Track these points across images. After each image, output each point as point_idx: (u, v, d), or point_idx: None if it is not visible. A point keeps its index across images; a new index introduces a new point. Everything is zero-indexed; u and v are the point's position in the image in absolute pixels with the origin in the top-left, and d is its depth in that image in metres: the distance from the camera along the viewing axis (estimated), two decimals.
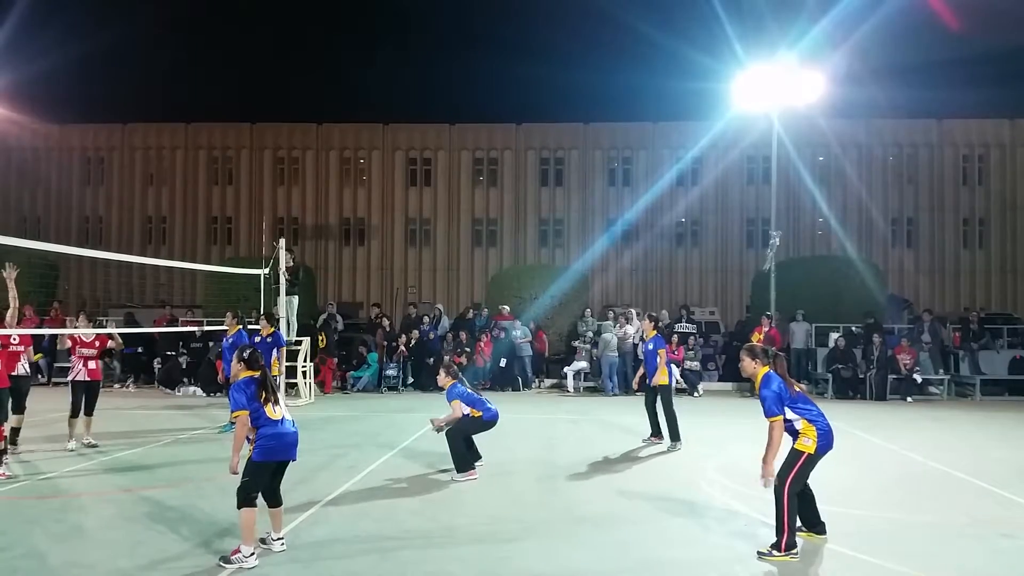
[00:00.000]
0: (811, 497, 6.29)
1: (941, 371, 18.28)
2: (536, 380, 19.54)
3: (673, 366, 17.89)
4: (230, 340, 10.47)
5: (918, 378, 17.48)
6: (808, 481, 6.13)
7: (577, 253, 37.34)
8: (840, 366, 17.70)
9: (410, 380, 18.61)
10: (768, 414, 5.97)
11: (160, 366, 18.32)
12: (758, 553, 5.89)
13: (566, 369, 18.89)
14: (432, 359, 18.35)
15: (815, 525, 6.32)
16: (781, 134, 21.82)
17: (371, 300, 37.93)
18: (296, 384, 15.61)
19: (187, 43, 59.73)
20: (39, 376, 19.02)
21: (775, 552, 5.84)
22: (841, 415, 14.24)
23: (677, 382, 17.77)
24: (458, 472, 8.48)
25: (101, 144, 41.52)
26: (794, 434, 6.06)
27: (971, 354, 18.65)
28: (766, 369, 6.14)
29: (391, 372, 18.31)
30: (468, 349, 18.44)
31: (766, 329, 17.91)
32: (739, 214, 39.42)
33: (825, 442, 6.01)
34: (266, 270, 15.81)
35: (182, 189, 41.32)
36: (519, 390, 18.46)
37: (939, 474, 9.05)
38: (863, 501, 7.64)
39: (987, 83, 37.75)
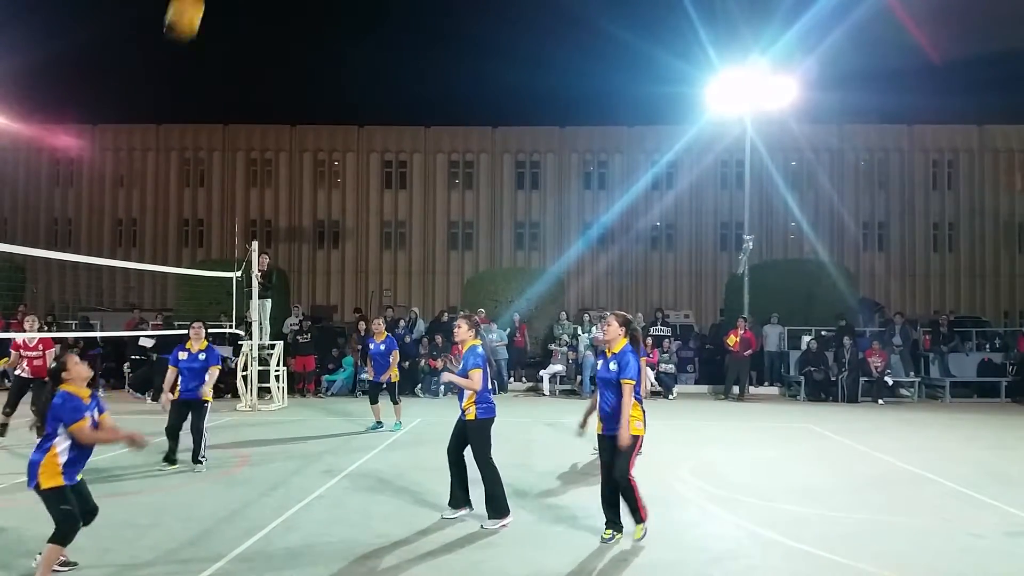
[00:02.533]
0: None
1: (912, 373, 18.50)
2: (512, 374, 19.59)
3: (648, 369, 18.05)
4: (202, 358, 9.67)
5: (889, 380, 17.68)
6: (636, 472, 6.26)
7: (553, 256, 37.39)
8: (812, 368, 17.86)
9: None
10: (628, 376, 6.06)
11: (130, 370, 18.04)
12: (633, 539, 6.19)
13: (542, 372, 18.89)
14: (408, 363, 18.25)
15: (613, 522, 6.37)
16: (754, 138, 22.02)
17: (346, 303, 37.75)
18: (269, 388, 15.46)
19: (158, 43, 58.88)
20: (5, 381, 18.67)
21: (641, 526, 6.22)
22: (813, 417, 14.41)
23: (652, 385, 17.86)
24: (494, 517, 6.76)
25: (71, 145, 40.89)
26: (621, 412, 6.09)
27: (941, 357, 18.90)
28: (625, 341, 6.27)
29: (366, 375, 18.15)
30: (444, 352, 18.36)
31: (741, 332, 18.06)
32: (713, 218, 39.70)
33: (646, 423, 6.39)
34: (238, 273, 15.64)
35: (153, 191, 40.81)
36: (495, 393, 18.40)
37: (910, 475, 9.15)
38: (835, 502, 7.70)
39: (957, 90, 38.47)
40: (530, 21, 64.79)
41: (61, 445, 5.14)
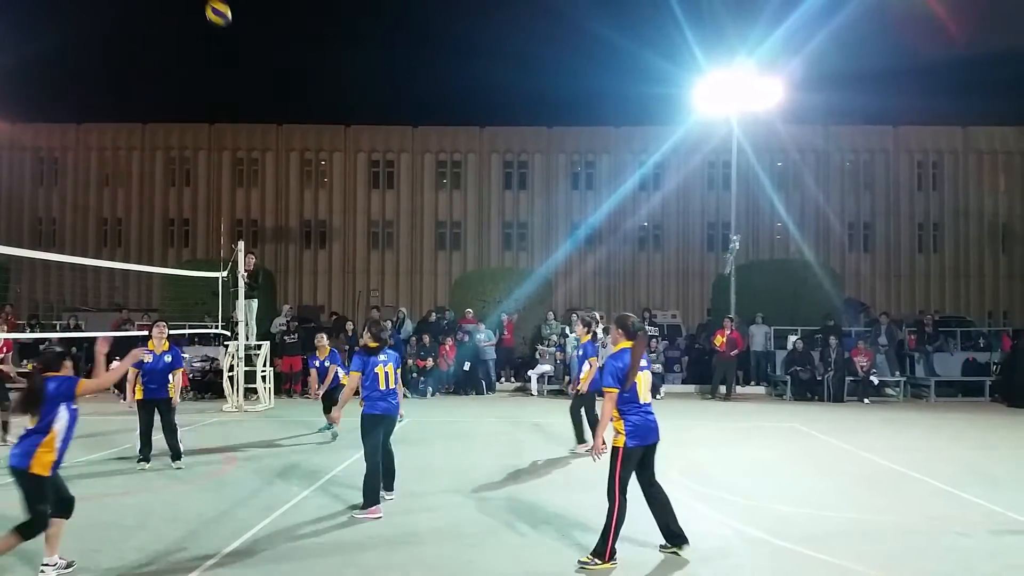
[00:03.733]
0: (663, 503, 6.01)
1: (897, 373, 18.62)
2: (502, 374, 19.60)
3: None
4: (168, 359, 9.70)
5: (875, 380, 17.79)
6: (656, 488, 5.97)
7: (541, 257, 37.40)
8: (798, 368, 17.95)
9: None
10: (604, 384, 5.79)
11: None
12: (579, 562, 5.69)
13: (530, 372, 18.90)
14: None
15: (674, 536, 5.98)
16: (741, 139, 22.12)
17: (333, 304, 37.61)
18: (256, 389, 15.40)
19: (144, 42, 58.71)
20: None
21: (597, 561, 5.65)
22: (799, 416, 14.49)
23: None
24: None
25: (55, 144, 40.59)
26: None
27: (926, 356, 19.03)
28: (627, 344, 5.95)
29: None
30: (432, 353, 18.35)
31: (728, 332, 18.13)
32: (700, 218, 39.84)
33: (637, 435, 5.77)
34: (224, 273, 15.57)
35: (138, 190, 40.52)
36: (483, 393, 18.42)
37: (895, 474, 9.21)
38: (821, 502, 7.74)
39: (941, 92, 38.62)
40: (518, 21, 64.85)
41: (59, 434, 5.31)
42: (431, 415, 14.55)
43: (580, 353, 10.85)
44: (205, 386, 17.21)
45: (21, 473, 5.18)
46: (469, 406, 16.28)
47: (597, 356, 10.72)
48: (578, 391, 10.72)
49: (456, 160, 40.92)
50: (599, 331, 17.09)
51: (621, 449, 5.75)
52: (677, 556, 5.91)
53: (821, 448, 11.16)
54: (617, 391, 5.74)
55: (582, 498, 7.72)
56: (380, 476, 7.19)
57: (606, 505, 5.72)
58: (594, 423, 10.32)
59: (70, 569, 5.48)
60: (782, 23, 23.61)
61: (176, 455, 9.13)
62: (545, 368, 18.82)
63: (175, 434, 9.15)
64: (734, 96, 20.80)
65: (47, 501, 5.21)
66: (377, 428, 7.18)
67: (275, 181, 40.64)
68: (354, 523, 6.75)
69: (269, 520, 6.77)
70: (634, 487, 5.86)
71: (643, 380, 5.92)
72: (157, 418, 9.16)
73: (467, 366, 18.45)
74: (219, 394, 16.12)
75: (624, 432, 5.77)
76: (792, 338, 18.63)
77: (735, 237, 20.91)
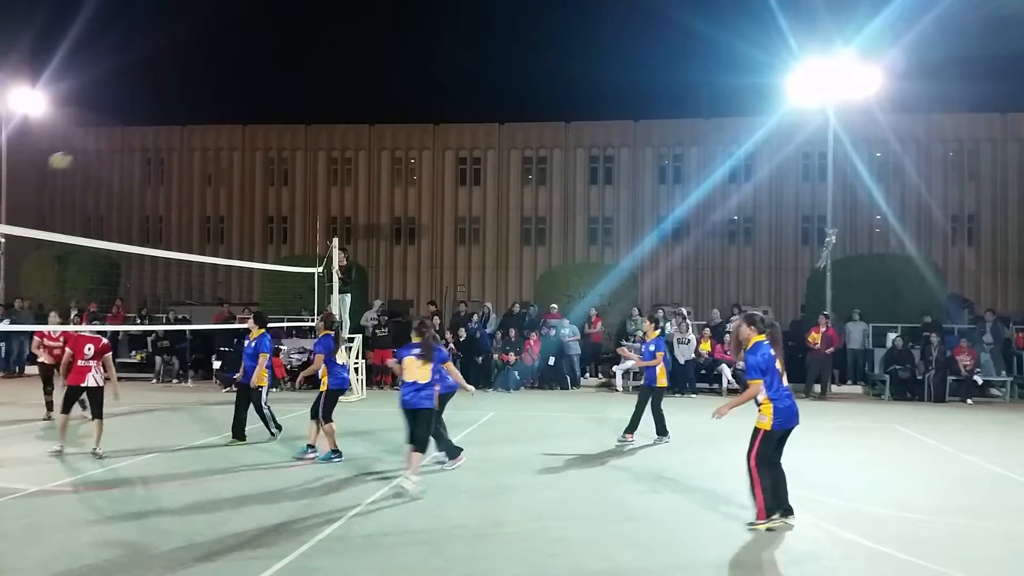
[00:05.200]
0: (782, 479, 6.55)
1: (1003, 372, 17.72)
2: (587, 369, 19.62)
3: (725, 366, 17.77)
4: (252, 345, 10.35)
5: (979, 379, 16.96)
6: (778, 468, 6.52)
7: (626, 251, 37.12)
8: (898, 367, 17.29)
9: None
10: (749, 376, 6.49)
11: (219, 361, 18.70)
12: (747, 524, 6.44)
13: (615, 368, 18.79)
14: (481, 357, 18.43)
15: (786, 508, 6.54)
16: (837, 129, 21.37)
17: (421, 298, 38.31)
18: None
19: (244, 45, 60.98)
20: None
21: (757, 523, 6.36)
22: (898, 417, 13.96)
23: (729, 382, 17.59)
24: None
25: (161, 145, 42.66)
26: (757, 406, 6.48)
27: None
28: (760, 338, 6.58)
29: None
30: (517, 347, 18.47)
31: (823, 329, 17.58)
32: (794, 211, 38.76)
33: (782, 419, 6.39)
34: (320, 268, 16.09)
35: (239, 189, 42.23)
36: (567, 388, 18.43)
37: (999, 478, 8.79)
38: (919, 505, 7.46)
39: None
40: (603, 15, 64.33)
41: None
42: (516, 409, 14.66)
43: (652, 349, 10.80)
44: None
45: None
46: (553, 401, 16.32)
47: (663, 351, 10.93)
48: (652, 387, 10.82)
49: (542, 156, 40.99)
50: (668, 327, 16.99)
51: (763, 431, 6.40)
52: (785, 524, 6.45)
53: (920, 449, 10.73)
54: (760, 382, 6.38)
55: (668, 496, 7.67)
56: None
57: (747, 480, 6.46)
58: (659, 417, 10.67)
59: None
60: (881, 8, 22.66)
61: (269, 430, 10.47)
62: (630, 364, 18.67)
63: (262, 413, 10.40)
64: (830, 85, 20.10)
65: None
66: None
67: (367, 179, 41.64)
68: (442, 513, 6.88)
69: (360, 508, 6.98)
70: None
71: (783, 365, 6.58)
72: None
73: (551, 360, 18.50)
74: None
75: (772, 416, 6.36)
76: (891, 335, 17.96)
77: (831, 230, 20.28)
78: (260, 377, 10.21)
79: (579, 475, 8.64)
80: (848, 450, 10.59)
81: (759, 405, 6.44)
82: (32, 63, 26.17)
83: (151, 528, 6.34)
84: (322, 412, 9.20)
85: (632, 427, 10.65)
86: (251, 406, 10.37)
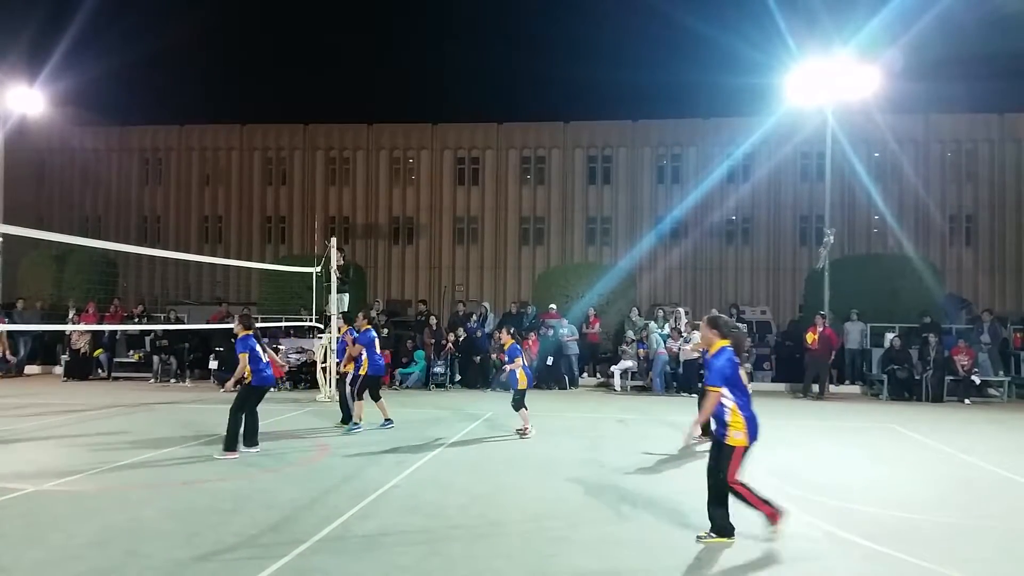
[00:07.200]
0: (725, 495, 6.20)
1: (1001, 372, 17.75)
2: (585, 369, 19.61)
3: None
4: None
5: (976, 379, 16.99)
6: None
7: (624, 251, 37.15)
8: (895, 367, 17.31)
9: (457, 377, 18.71)
10: (708, 382, 6.09)
11: (217, 361, 18.69)
12: (769, 530, 6.02)
13: (613, 368, 18.81)
14: (479, 357, 18.44)
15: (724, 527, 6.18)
16: (836, 130, 21.39)
17: (419, 298, 38.34)
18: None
19: (242, 45, 60.94)
20: (99, 371, 19.65)
21: (774, 527, 6.00)
22: (896, 417, 13.98)
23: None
24: None
25: (159, 144, 42.63)
26: (721, 418, 6.01)
27: None
28: (724, 343, 6.15)
29: (439, 369, 18.45)
30: None
31: (820, 329, 17.60)
32: (792, 211, 38.80)
33: (754, 431, 6.00)
34: (318, 268, 16.09)
35: (237, 189, 42.21)
36: (565, 388, 18.44)
37: (997, 478, 8.81)
38: (917, 504, 7.47)
39: None
40: (601, 15, 64.36)
41: None
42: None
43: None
44: (300, 376, 17.80)
45: None
46: (551, 400, 16.32)
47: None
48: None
49: (540, 156, 41.01)
50: (666, 327, 17.06)
51: (739, 448, 5.96)
52: (718, 543, 6.07)
53: (918, 449, 10.75)
54: (720, 390, 5.98)
55: (668, 497, 7.67)
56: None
57: (737, 501, 6.05)
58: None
59: None
60: (880, 9, 22.68)
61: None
62: (628, 364, 18.71)
63: (229, 417, 9.48)
64: (828, 85, 20.12)
65: None
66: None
67: (365, 179, 41.64)
68: (441, 513, 6.88)
69: (359, 508, 6.98)
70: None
71: (743, 375, 6.16)
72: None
73: (550, 360, 18.50)
74: (313, 384, 16.66)
75: (745, 430, 5.96)
76: (889, 335, 17.99)
77: (830, 230, 20.30)
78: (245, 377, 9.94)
79: (578, 475, 8.64)
80: (846, 450, 10.60)
81: (727, 421, 5.97)
82: (30, 62, 26.16)
83: (150, 528, 6.34)
84: (358, 390, 11.32)
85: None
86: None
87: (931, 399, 16.83)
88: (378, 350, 11.70)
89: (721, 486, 6.06)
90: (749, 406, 6.02)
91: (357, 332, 11.80)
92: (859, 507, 7.35)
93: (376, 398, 11.56)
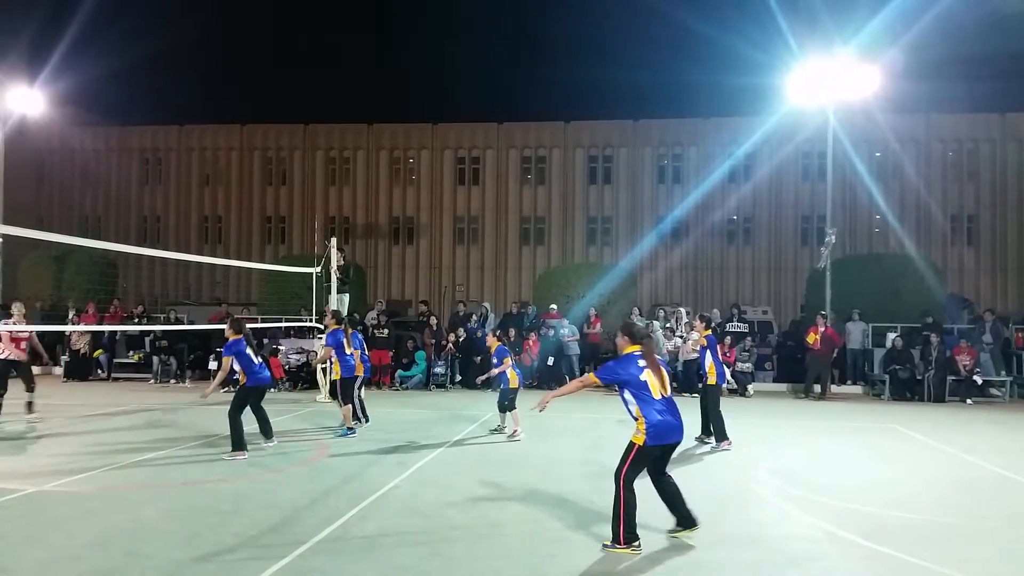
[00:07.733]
0: (674, 491, 6.15)
1: (1003, 372, 17.72)
2: (586, 369, 19.54)
3: (724, 367, 17.73)
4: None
5: (978, 380, 16.96)
6: (671, 475, 6.17)
7: (625, 251, 37.14)
8: (897, 367, 17.28)
9: (458, 378, 18.69)
10: (596, 372, 6.14)
11: (216, 362, 18.67)
12: (603, 545, 5.89)
13: None
14: (480, 357, 18.41)
15: (685, 519, 6.14)
16: (837, 129, 21.36)
17: (420, 298, 38.35)
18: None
19: (242, 45, 60.94)
20: (99, 371, 19.62)
21: (616, 545, 5.80)
22: (897, 417, 13.95)
23: (728, 383, 17.55)
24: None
25: (159, 145, 42.63)
26: (634, 420, 5.99)
27: None
28: (635, 348, 6.14)
29: (439, 370, 18.42)
30: (516, 348, 18.43)
31: (822, 329, 17.56)
32: (793, 211, 38.78)
33: (656, 434, 5.84)
34: (318, 268, 16.08)
35: (237, 189, 42.20)
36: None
37: (999, 478, 8.78)
38: (918, 505, 7.45)
39: None
40: (602, 15, 64.34)
41: None
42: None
43: (705, 346, 10.82)
44: (299, 377, 17.79)
45: None
46: (552, 401, 16.26)
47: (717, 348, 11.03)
48: (706, 385, 10.79)
49: (540, 156, 40.99)
50: (664, 326, 17.04)
51: (638, 447, 5.88)
52: (685, 540, 6.06)
53: (920, 449, 10.72)
54: (595, 378, 6.07)
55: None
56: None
57: (613, 498, 5.88)
58: (716, 419, 10.40)
59: None
60: (880, 9, 22.65)
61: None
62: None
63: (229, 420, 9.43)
64: (829, 85, 20.09)
65: None
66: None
67: (366, 179, 41.63)
68: (440, 514, 6.86)
69: (359, 509, 6.96)
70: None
71: (658, 377, 6.01)
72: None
73: (550, 360, 18.48)
74: (313, 385, 16.64)
75: (644, 431, 5.86)
76: (891, 335, 17.96)
77: (831, 230, 20.28)
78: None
79: (577, 475, 8.62)
80: (847, 450, 10.58)
81: (633, 419, 5.97)
82: (30, 62, 26.16)
83: (150, 529, 6.32)
84: (340, 395, 10.95)
85: (719, 432, 10.50)
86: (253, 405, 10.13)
87: (933, 399, 16.80)
88: (348, 351, 11.04)
89: (656, 484, 6.12)
90: (663, 411, 5.88)
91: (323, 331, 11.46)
92: (860, 507, 7.32)
93: (347, 401, 10.93)
